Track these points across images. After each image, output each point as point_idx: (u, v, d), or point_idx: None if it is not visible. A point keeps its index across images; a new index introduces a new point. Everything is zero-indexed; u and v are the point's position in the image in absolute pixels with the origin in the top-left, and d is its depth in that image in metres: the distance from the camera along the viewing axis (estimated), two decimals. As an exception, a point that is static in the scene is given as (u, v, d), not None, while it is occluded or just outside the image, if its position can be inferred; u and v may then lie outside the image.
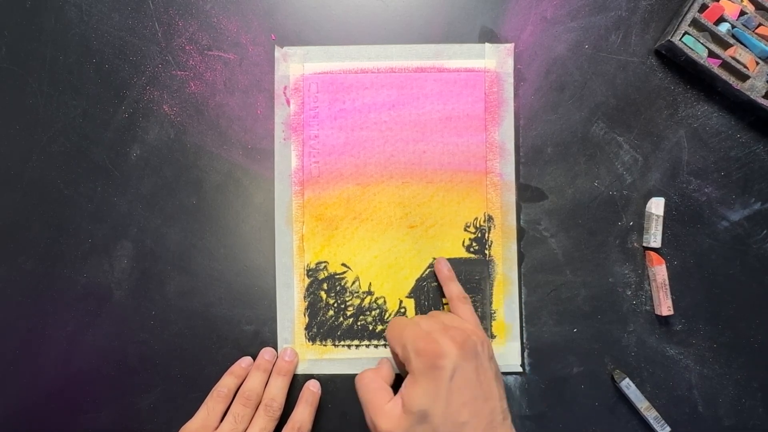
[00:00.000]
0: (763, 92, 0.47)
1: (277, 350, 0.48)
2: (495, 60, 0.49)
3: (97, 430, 0.48)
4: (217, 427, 0.44)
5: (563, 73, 0.49)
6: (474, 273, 0.49)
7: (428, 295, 0.49)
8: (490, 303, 0.49)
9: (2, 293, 0.49)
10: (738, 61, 0.47)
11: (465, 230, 0.49)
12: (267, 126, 0.49)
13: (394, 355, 0.43)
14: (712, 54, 0.47)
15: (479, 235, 0.49)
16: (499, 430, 0.37)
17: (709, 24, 0.47)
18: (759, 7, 0.48)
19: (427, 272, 0.49)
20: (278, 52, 0.50)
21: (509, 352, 0.48)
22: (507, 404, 0.39)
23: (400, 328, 0.42)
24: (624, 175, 0.49)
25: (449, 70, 0.49)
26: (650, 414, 0.47)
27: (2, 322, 0.49)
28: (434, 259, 0.49)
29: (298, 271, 0.49)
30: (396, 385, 0.42)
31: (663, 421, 0.47)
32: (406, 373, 0.40)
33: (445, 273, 0.48)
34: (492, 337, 0.49)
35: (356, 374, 0.48)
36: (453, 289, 0.47)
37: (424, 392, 0.37)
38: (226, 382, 0.46)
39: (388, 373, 0.44)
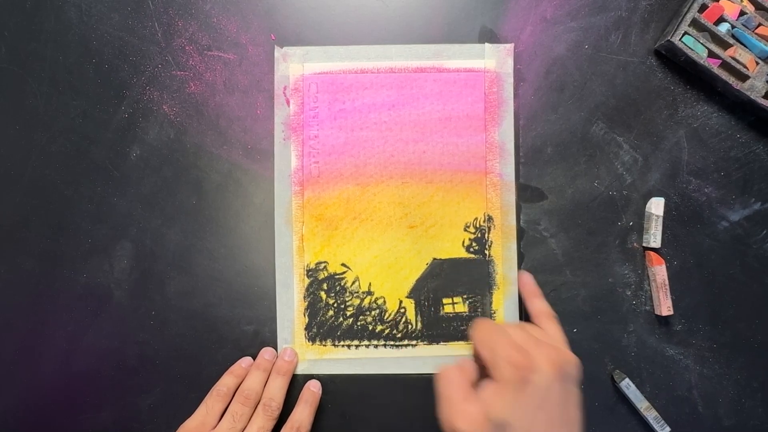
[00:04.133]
0: (763, 92, 0.47)
1: (276, 350, 0.48)
2: (495, 60, 0.49)
3: (97, 430, 0.48)
4: (215, 426, 0.44)
5: (563, 73, 0.49)
6: (474, 273, 0.49)
7: (428, 295, 0.49)
8: (490, 303, 0.49)
9: (2, 293, 0.49)
10: (738, 61, 0.47)
11: (465, 230, 0.49)
12: (267, 126, 0.49)
13: (477, 357, 0.41)
14: (711, 54, 0.47)
15: (479, 235, 0.49)
16: None
17: (709, 24, 0.47)
18: (759, 7, 0.48)
19: (426, 272, 0.49)
20: (278, 52, 0.50)
21: (509, 352, 0.48)
22: None
23: (490, 332, 0.40)
24: (624, 175, 0.49)
25: (449, 70, 0.49)
26: (650, 414, 0.47)
27: (2, 322, 0.49)
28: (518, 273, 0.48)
29: (297, 272, 0.49)
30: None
31: (663, 421, 0.47)
32: (487, 377, 0.38)
33: (531, 288, 0.47)
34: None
35: (356, 374, 0.48)
36: (539, 305, 0.46)
37: (510, 403, 0.36)
38: (226, 381, 0.46)
39: (471, 373, 0.41)
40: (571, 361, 0.39)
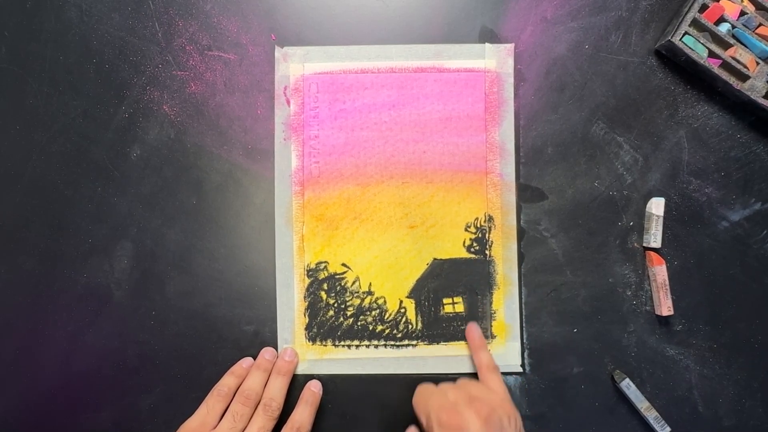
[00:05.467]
0: (764, 92, 0.47)
1: (277, 350, 0.48)
2: (495, 60, 0.49)
3: (97, 430, 0.48)
4: (216, 426, 0.44)
5: (563, 74, 0.49)
6: (474, 273, 0.49)
7: (428, 295, 0.49)
8: (490, 303, 0.49)
9: (2, 293, 0.49)
10: (738, 62, 0.47)
11: (465, 230, 0.49)
12: (267, 126, 0.49)
13: (419, 423, 0.43)
14: (712, 54, 0.47)
15: (480, 235, 0.49)
16: None
17: (710, 24, 0.47)
18: (759, 8, 0.48)
19: (427, 272, 0.49)
20: (278, 52, 0.50)
21: (509, 352, 0.48)
22: None
23: (426, 396, 0.42)
24: (624, 175, 0.49)
25: (449, 71, 0.49)
26: (650, 414, 0.47)
27: (2, 322, 0.49)
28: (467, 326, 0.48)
29: (298, 272, 0.49)
30: None
31: (663, 422, 0.47)
32: None
33: (477, 341, 0.47)
34: (492, 337, 0.49)
35: (356, 374, 0.48)
36: (483, 357, 0.46)
37: None
38: (227, 382, 0.46)
39: None
40: (507, 413, 0.40)
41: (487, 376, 0.45)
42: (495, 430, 0.38)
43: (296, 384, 0.48)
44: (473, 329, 0.48)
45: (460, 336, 0.49)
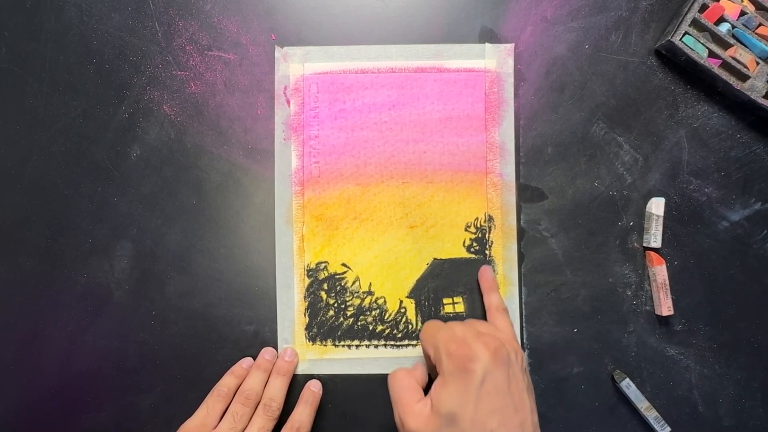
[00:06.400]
0: (764, 92, 0.47)
1: (277, 350, 0.48)
2: (495, 60, 0.49)
3: (97, 430, 0.48)
4: (216, 426, 0.44)
5: (563, 73, 0.49)
6: (474, 273, 0.49)
7: (428, 295, 0.49)
8: (490, 303, 0.49)
9: (2, 293, 0.49)
10: (738, 61, 0.47)
11: (465, 230, 0.49)
12: (267, 126, 0.49)
13: (427, 356, 0.43)
14: (712, 54, 0.47)
15: (480, 235, 0.49)
16: None
17: (710, 24, 0.47)
18: (759, 7, 0.48)
19: (427, 272, 0.49)
20: (278, 52, 0.50)
21: (509, 352, 0.48)
22: (537, 419, 0.39)
23: (434, 330, 0.42)
24: (624, 175, 0.49)
25: (449, 70, 0.49)
26: (650, 414, 0.47)
27: (2, 322, 0.49)
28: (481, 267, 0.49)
29: (298, 271, 0.49)
30: (428, 388, 0.42)
31: (663, 422, 0.47)
32: (437, 375, 0.40)
33: (489, 283, 0.48)
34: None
35: (357, 374, 0.48)
36: (493, 298, 0.47)
37: (454, 395, 0.37)
38: (227, 382, 0.46)
39: (421, 374, 0.44)
40: (512, 348, 0.40)
41: (496, 316, 0.45)
42: (503, 363, 0.38)
43: (296, 384, 0.48)
44: (487, 271, 0.48)
45: (460, 336, 0.49)
